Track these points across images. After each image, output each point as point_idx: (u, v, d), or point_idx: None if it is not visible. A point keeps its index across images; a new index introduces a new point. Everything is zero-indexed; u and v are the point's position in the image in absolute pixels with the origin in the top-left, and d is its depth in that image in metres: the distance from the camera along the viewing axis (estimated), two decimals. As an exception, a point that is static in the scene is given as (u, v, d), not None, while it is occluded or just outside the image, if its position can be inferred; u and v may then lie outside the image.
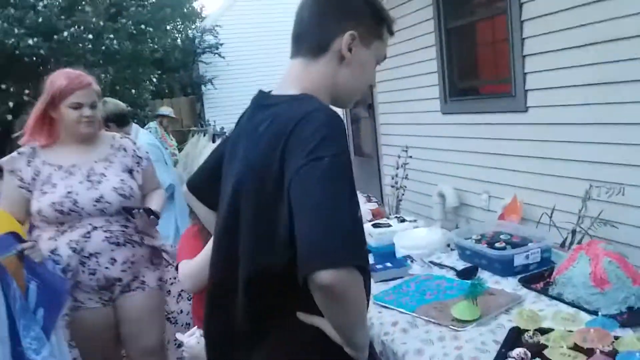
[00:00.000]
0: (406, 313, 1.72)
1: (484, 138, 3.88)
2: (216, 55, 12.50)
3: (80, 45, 7.85)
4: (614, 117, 2.87)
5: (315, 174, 0.95)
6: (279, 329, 1.12)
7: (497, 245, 2.04)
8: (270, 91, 1.23)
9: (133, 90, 9.24)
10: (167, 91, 12.14)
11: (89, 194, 2.14)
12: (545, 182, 3.34)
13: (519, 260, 1.91)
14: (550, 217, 3.12)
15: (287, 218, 0.97)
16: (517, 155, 3.58)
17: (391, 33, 1.25)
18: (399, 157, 4.76)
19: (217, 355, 1.25)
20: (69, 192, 2.12)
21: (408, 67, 4.88)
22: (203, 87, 12.63)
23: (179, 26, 13.48)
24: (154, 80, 10.43)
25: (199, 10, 15.18)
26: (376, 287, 1.93)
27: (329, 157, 0.96)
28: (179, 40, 12.50)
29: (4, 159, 2.18)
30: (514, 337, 1.44)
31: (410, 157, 4.67)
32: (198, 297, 1.98)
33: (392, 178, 4.86)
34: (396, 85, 5.15)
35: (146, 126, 6.58)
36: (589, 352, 1.26)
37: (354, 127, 6.60)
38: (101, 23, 8.56)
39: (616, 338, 1.31)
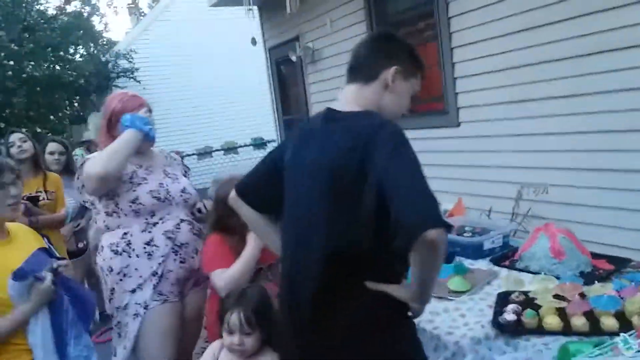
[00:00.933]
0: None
1: (422, 151, 4.33)
2: (131, 79, 12.38)
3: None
4: (533, 129, 3.43)
5: (406, 163, 1.27)
6: (346, 297, 1.40)
7: (465, 235, 2.44)
8: (333, 109, 1.53)
9: (51, 116, 8.95)
10: (83, 115, 11.81)
11: (174, 185, 2.33)
12: (480, 187, 3.84)
13: (487, 245, 2.32)
14: (489, 216, 3.61)
15: (374, 201, 1.27)
16: (454, 165, 4.08)
17: (423, 77, 1.61)
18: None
19: (293, 321, 1.50)
20: (160, 183, 2.28)
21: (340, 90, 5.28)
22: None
23: (91, 50, 13.14)
24: (74, 105, 10.14)
25: (103, 30, 14.83)
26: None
27: (409, 153, 1.29)
28: (91, 65, 12.21)
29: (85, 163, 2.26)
30: (504, 298, 1.82)
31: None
32: (215, 296, 2.17)
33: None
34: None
35: (73, 153, 6.48)
36: (568, 298, 1.66)
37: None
38: (15, 47, 8.29)
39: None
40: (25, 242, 2.06)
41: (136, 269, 2.21)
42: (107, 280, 2.26)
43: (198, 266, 2.32)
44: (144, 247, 2.22)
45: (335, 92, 5.37)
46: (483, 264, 2.25)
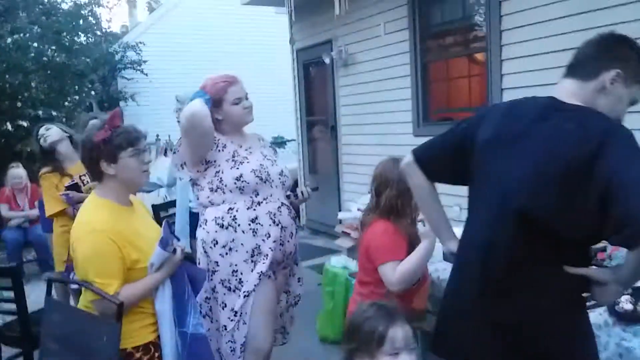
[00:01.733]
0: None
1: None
2: (138, 71, 12.35)
3: (22, 53, 7.52)
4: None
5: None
6: (534, 279, 1.47)
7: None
8: (557, 99, 1.55)
9: (66, 102, 8.90)
10: (88, 105, 11.73)
11: (273, 168, 2.40)
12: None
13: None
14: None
15: (597, 196, 1.32)
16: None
17: None
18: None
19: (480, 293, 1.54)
20: (261, 164, 2.35)
21: (380, 93, 5.41)
22: (122, 103, 12.37)
23: (97, 39, 13.07)
24: (87, 91, 10.10)
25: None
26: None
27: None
28: (96, 52, 12.17)
29: None
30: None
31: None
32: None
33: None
34: (365, 109, 5.67)
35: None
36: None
37: (310, 146, 7.00)
38: (38, 30, 8.22)
39: None
40: (142, 211, 2.12)
41: (242, 244, 2.27)
42: (209, 254, 2.32)
43: (293, 250, 2.41)
44: (249, 224, 2.28)
45: (367, 96, 5.56)
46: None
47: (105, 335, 1.70)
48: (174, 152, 2.42)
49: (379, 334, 1.41)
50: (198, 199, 2.39)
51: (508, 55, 4.07)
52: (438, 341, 1.71)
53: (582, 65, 1.54)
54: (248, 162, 2.34)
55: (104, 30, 12.93)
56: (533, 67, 3.86)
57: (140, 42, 12.28)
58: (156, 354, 1.90)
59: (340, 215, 4.34)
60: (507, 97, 4.09)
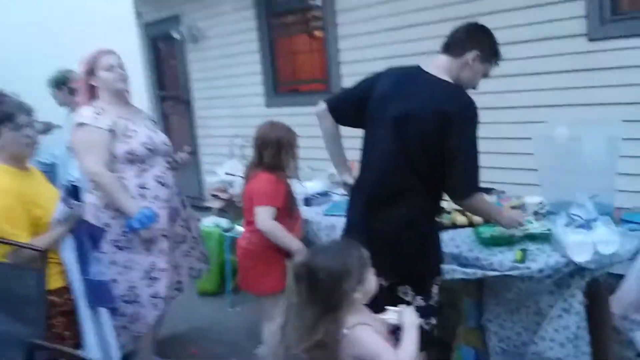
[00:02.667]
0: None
1: (306, 125, 5.07)
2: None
3: None
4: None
5: (469, 143, 1.94)
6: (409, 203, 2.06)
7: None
8: (425, 70, 2.08)
9: None
10: None
11: (158, 137, 2.70)
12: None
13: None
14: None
15: (441, 152, 1.94)
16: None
17: (497, 64, 2.15)
18: (231, 146, 5.55)
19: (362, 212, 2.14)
20: (149, 136, 2.65)
21: (231, 67, 5.79)
22: None
23: None
24: None
25: None
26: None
27: (474, 135, 1.96)
28: None
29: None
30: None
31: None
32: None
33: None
34: (217, 84, 6.01)
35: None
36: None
37: (167, 121, 7.13)
38: None
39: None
40: (40, 176, 2.36)
41: None
42: (100, 217, 2.59)
43: (179, 205, 2.80)
44: (138, 189, 2.62)
45: (219, 71, 5.91)
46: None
47: (33, 280, 1.96)
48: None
49: (363, 257, 1.64)
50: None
51: (343, 33, 4.72)
52: None
53: (454, 45, 2.09)
54: (137, 135, 2.64)
55: None
56: (364, 44, 4.55)
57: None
58: (67, 297, 2.20)
59: (208, 179, 4.70)
60: (344, 69, 4.76)
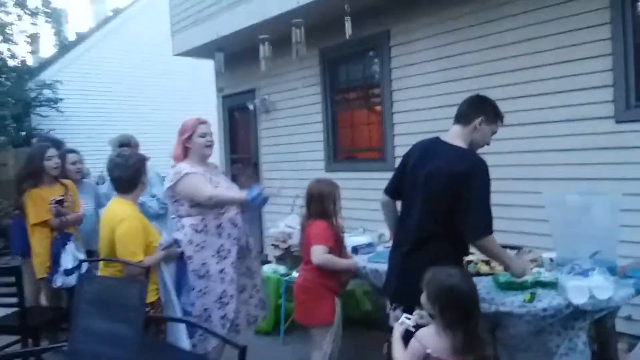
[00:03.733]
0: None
1: (363, 189, 5.62)
2: (53, 109, 12.61)
3: None
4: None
5: (484, 193, 2.42)
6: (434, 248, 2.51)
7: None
8: (444, 140, 2.60)
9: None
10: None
11: (233, 188, 3.42)
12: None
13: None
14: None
15: (459, 202, 2.40)
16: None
17: (502, 123, 2.65)
18: (293, 204, 6.16)
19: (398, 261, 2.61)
20: (227, 187, 3.34)
21: (296, 135, 6.51)
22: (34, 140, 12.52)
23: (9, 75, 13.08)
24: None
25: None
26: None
27: (487, 187, 2.44)
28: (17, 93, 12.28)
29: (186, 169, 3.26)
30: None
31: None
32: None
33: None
34: (283, 149, 6.73)
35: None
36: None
37: (235, 181, 7.87)
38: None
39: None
40: None
41: (211, 244, 3.21)
42: (185, 251, 3.18)
43: (246, 240, 3.41)
44: (216, 229, 3.23)
45: (285, 138, 6.63)
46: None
47: (136, 290, 2.54)
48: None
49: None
50: (177, 211, 3.27)
51: (398, 109, 5.33)
52: (385, 286, 2.79)
53: (462, 116, 2.62)
54: (220, 186, 3.30)
55: (16, 65, 13.09)
56: (415, 119, 5.13)
57: (57, 81, 12.61)
58: (159, 309, 2.76)
59: (272, 230, 5.27)
60: (398, 140, 5.34)
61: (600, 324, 2.69)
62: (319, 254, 3.06)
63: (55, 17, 15.16)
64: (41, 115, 12.62)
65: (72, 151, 4.70)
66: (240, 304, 3.41)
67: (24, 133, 12.20)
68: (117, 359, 2.46)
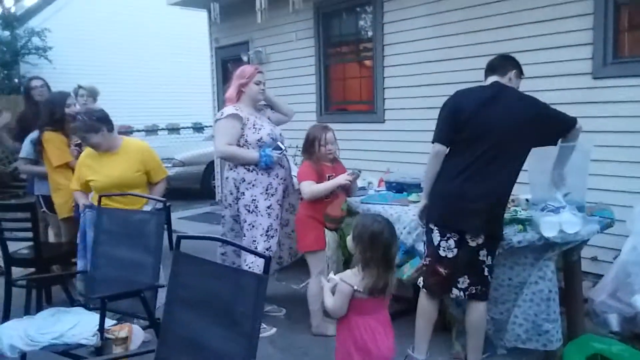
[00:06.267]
0: (385, 203, 3.54)
1: (356, 139, 5.86)
2: (43, 57, 12.50)
3: None
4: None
5: (554, 111, 2.78)
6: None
7: (407, 180, 3.97)
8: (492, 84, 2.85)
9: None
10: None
11: (277, 130, 3.70)
12: (395, 167, 5.44)
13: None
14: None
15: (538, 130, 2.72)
16: (379, 150, 5.66)
17: (522, 78, 2.98)
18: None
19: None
20: (271, 129, 3.62)
21: (290, 87, 6.69)
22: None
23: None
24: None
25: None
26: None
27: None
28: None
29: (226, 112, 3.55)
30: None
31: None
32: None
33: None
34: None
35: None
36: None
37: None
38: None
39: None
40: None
41: (260, 182, 3.53)
42: (239, 187, 3.55)
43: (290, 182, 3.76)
44: (265, 167, 3.53)
45: (279, 90, 6.81)
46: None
47: (155, 221, 2.81)
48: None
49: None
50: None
51: (389, 63, 5.54)
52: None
53: (499, 67, 2.91)
54: (263, 128, 3.57)
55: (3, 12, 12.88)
56: (405, 73, 5.36)
57: (46, 29, 12.46)
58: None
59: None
60: (388, 93, 5.57)
61: (567, 257, 3.02)
62: (305, 189, 3.39)
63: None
64: (30, 64, 12.51)
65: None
66: (284, 237, 3.87)
67: (16, 80, 12.13)
68: (138, 283, 2.76)
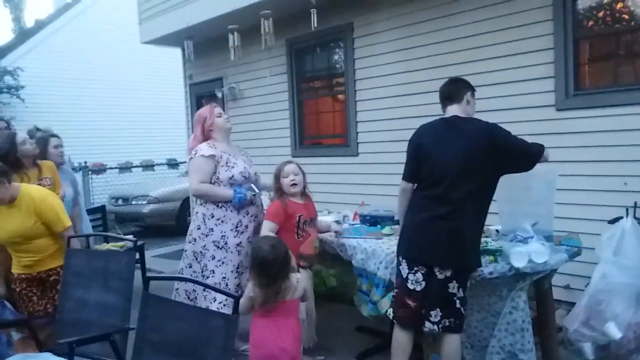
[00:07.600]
0: (360, 237, 3.55)
1: (330, 173, 5.91)
2: (15, 96, 12.41)
3: None
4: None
5: (515, 141, 2.76)
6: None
7: (379, 214, 4.01)
8: (453, 119, 2.87)
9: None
10: (-39, 128, 11.53)
11: (251, 168, 3.64)
12: (369, 199, 5.47)
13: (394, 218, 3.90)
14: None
15: (502, 155, 2.72)
16: (351, 183, 5.71)
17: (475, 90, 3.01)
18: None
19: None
20: (244, 167, 3.56)
21: (264, 122, 6.74)
22: (-6, 128, 12.31)
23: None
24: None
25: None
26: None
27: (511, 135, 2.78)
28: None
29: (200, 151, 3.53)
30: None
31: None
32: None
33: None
34: (251, 136, 6.95)
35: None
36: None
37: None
38: None
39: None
40: None
41: (230, 218, 3.51)
42: (207, 223, 3.50)
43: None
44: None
45: (253, 125, 6.86)
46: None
47: (125, 259, 2.77)
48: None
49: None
50: None
51: (361, 97, 5.64)
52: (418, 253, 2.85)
53: (454, 95, 2.94)
54: (237, 166, 3.55)
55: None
56: (376, 107, 5.46)
57: (18, 68, 12.41)
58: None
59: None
60: (361, 127, 5.65)
61: (538, 286, 3.06)
62: (263, 228, 3.36)
63: (14, 3, 14.84)
64: (2, 103, 12.40)
65: (55, 135, 4.70)
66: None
67: (-14, 120, 11.95)
68: (107, 326, 2.70)
